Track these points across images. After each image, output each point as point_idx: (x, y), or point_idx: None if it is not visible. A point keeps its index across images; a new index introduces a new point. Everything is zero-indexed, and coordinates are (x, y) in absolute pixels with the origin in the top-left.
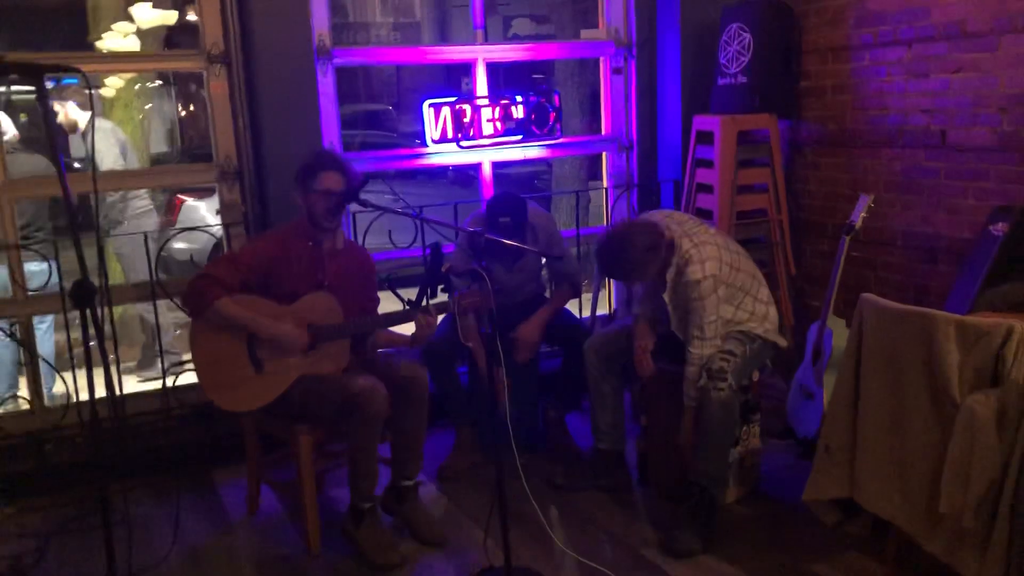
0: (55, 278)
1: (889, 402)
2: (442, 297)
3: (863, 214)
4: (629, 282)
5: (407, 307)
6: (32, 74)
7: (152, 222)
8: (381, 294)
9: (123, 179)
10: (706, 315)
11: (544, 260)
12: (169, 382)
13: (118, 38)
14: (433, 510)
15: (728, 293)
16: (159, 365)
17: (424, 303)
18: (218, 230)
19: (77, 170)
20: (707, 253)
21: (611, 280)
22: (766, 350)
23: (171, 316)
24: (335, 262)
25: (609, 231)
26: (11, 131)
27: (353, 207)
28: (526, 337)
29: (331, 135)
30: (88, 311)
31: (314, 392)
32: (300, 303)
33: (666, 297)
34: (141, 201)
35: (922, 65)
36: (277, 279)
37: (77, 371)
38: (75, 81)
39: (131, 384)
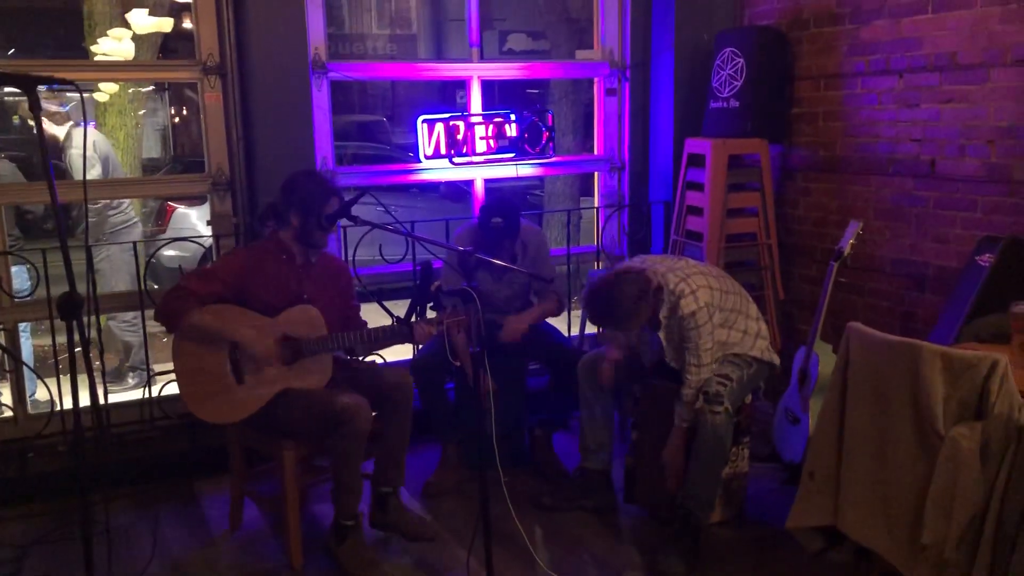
0: (37, 285)
1: (874, 431)
2: (431, 314)
3: (852, 240)
4: (623, 331)
5: (395, 322)
6: (25, 85)
7: (136, 235)
8: (371, 307)
9: (113, 188)
10: (702, 343)
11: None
12: (153, 392)
13: (114, 43)
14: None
15: (722, 317)
16: (129, 380)
17: (414, 318)
18: (208, 240)
19: (59, 173)
20: (696, 283)
21: None
22: (761, 372)
23: (142, 333)
24: (311, 274)
25: (595, 285)
26: None
27: (343, 221)
28: (513, 324)
29: (324, 149)
30: (75, 323)
31: (298, 407)
32: (283, 315)
33: (662, 336)
34: (119, 216)
35: (913, 95)
36: (253, 293)
37: (61, 379)
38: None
39: (116, 393)
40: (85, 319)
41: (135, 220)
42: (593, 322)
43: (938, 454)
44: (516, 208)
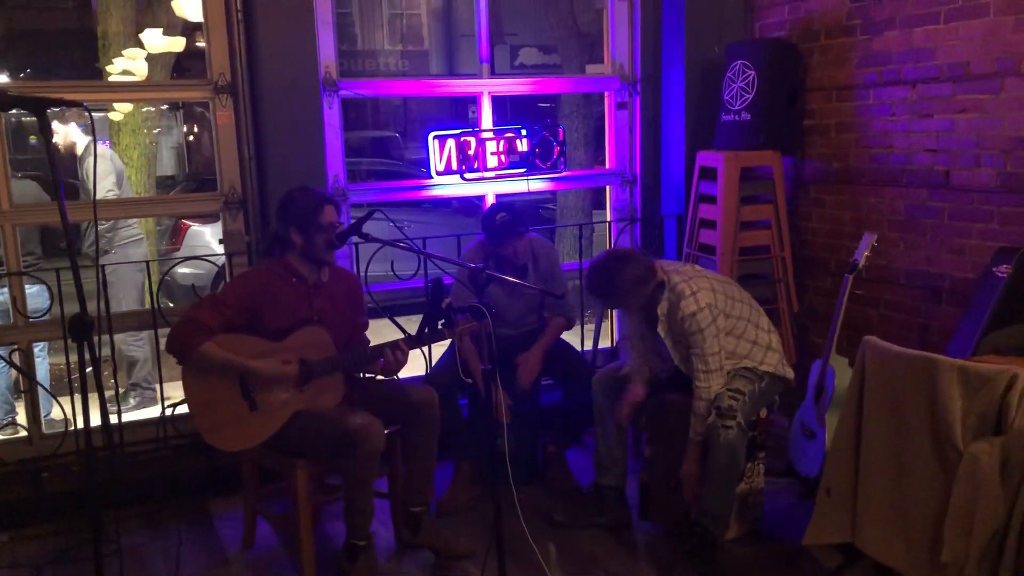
0: (52, 304)
1: (891, 447)
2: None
3: (867, 253)
4: (610, 306)
5: (406, 339)
6: (35, 108)
7: (141, 252)
8: (381, 323)
9: (126, 208)
10: (707, 347)
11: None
12: (166, 411)
13: (128, 63)
14: None
15: (729, 324)
16: (131, 400)
17: (426, 332)
18: (221, 258)
19: (73, 191)
20: (698, 285)
21: (614, 312)
22: (775, 387)
23: (148, 349)
24: (322, 295)
25: (601, 258)
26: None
27: (355, 238)
28: (529, 363)
29: (336, 166)
30: (86, 344)
31: (311, 429)
32: (291, 339)
33: (661, 331)
34: (130, 230)
35: (926, 105)
36: (263, 318)
37: (76, 398)
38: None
39: (129, 412)
40: (98, 338)
41: (142, 235)
42: (589, 290)
43: (957, 470)
44: (516, 207)
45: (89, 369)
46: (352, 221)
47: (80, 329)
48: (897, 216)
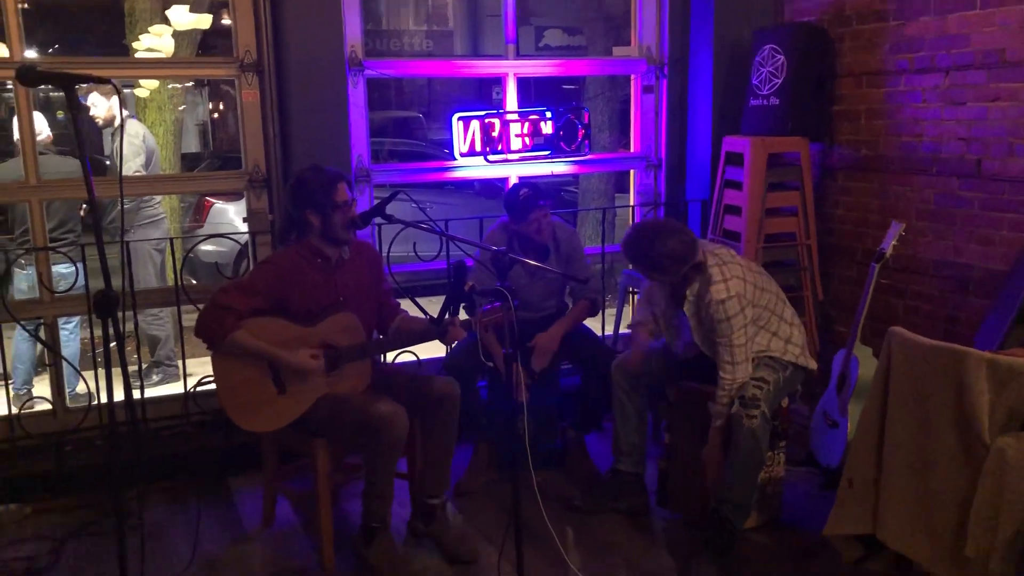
0: (81, 280)
1: (916, 439)
2: (463, 315)
3: (894, 242)
4: (646, 277)
5: (429, 322)
6: (63, 83)
7: (161, 231)
8: (404, 303)
9: (152, 184)
10: (734, 337)
11: (566, 268)
12: (190, 389)
13: (154, 39)
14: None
15: (755, 314)
16: (154, 377)
17: (447, 317)
18: (244, 236)
19: (107, 169)
20: (731, 272)
21: (634, 295)
22: (797, 376)
23: (170, 327)
24: (346, 273)
25: (646, 225)
26: (45, 132)
27: (378, 220)
28: (544, 344)
29: (360, 146)
30: (111, 321)
31: (336, 413)
32: (321, 325)
33: (687, 310)
34: (152, 209)
35: (959, 93)
36: (291, 301)
37: (100, 373)
38: None
39: (152, 388)
40: (123, 314)
41: (163, 215)
42: (625, 253)
43: (983, 464)
44: (540, 184)
45: (113, 344)
46: (376, 203)
47: (105, 305)
48: (926, 205)
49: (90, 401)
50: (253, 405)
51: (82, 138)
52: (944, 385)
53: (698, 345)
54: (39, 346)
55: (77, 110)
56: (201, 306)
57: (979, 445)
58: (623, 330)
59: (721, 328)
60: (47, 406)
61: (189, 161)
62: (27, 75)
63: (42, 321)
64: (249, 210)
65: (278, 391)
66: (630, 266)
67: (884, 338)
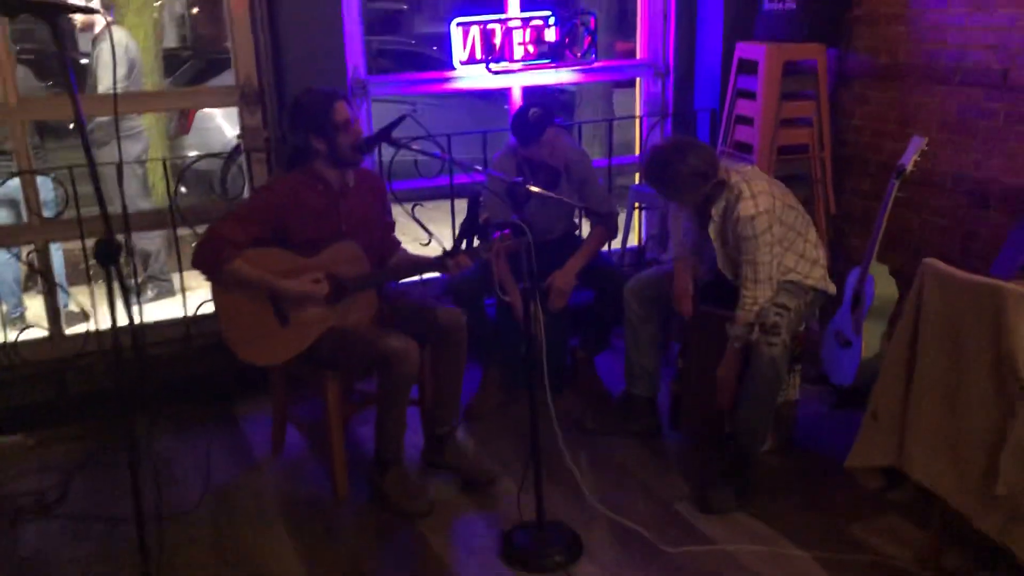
0: (67, 202)
1: (947, 375)
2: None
3: (915, 157)
4: (664, 197)
5: (444, 255)
6: (46, 13)
7: (142, 144)
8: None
9: (140, 101)
10: (760, 255)
11: (579, 194)
12: (189, 311)
13: None
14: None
15: (781, 233)
16: (149, 292)
17: (463, 247)
18: (230, 141)
19: (87, 75)
20: (758, 188)
21: (642, 211)
22: (817, 301)
23: (160, 240)
24: (349, 202)
25: (661, 146)
26: None
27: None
28: (560, 286)
29: (355, 57)
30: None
31: (345, 347)
32: (322, 255)
33: (712, 232)
34: (130, 122)
35: None
36: (292, 230)
37: (97, 302)
38: None
39: (151, 312)
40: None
41: (141, 128)
42: (644, 177)
43: (1018, 403)
44: (547, 100)
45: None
46: (380, 128)
47: (107, 253)
48: (948, 116)
49: (87, 328)
50: (256, 338)
51: (67, 61)
52: (980, 322)
53: (720, 269)
54: (22, 266)
55: (63, 43)
56: (196, 228)
57: (1015, 383)
58: (630, 244)
59: (748, 246)
60: (43, 333)
61: (170, 62)
62: (6, 4)
63: (33, 247)
64: (243, 126)
65: (281, 323)
66: (637, 180)
67: (918, 270)
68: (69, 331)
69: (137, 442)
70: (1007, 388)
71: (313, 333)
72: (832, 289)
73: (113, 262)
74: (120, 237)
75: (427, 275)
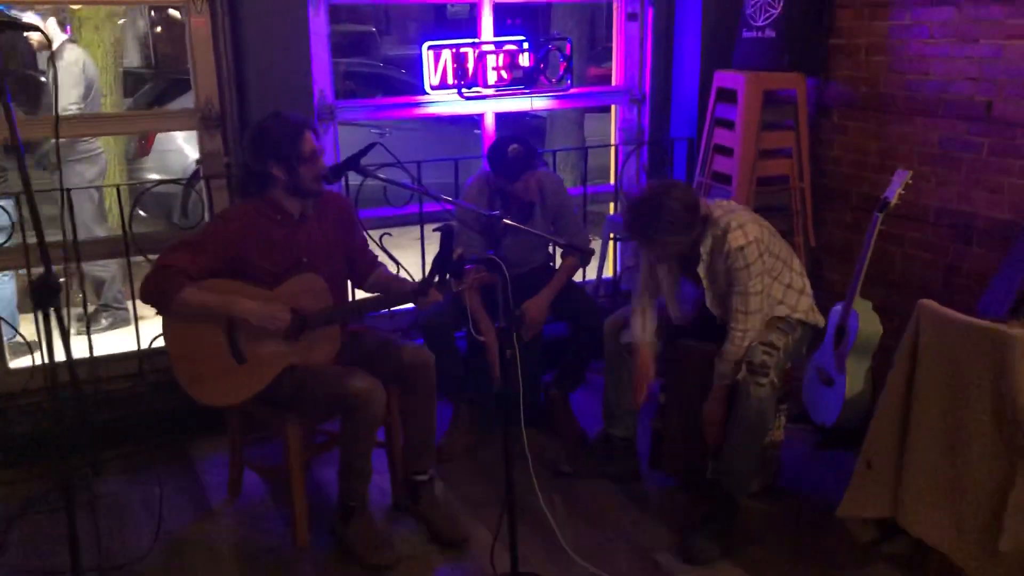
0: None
1: (945, 422)
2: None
3: (900, 191)
4: (656, 247)
5: (416, 288)
6: None
7: (99, 167)
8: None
9: (97, 124)
10: (751, 285)
11: (554, 224)
12: (144, 345)
13: None
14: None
15: (771, 263)
16: (103, 321)
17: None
18: (192, 165)
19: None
20: (745, 218)
21: (617, 242)
22: (806, 336)
23: (115, 267)
24: (308, 230)
25: (643, 192)
26: None
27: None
28: (533, 315)
29: (322, 81)
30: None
31: (307, 387)
32: (283, 287)
33: (701, 271)
34: (87, 144)
35: (971, 29)
36: (248, 261)
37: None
38: None
39: (103, 345)
40: (64, 266)
41: (100, 150)
42: (629, 231)
43: (1022, 453)
44: (526, 139)
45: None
46: (349, 156)
47: (46, 295)
48: (930, 149)
49: (33, 361)
50: (210, 376)
51: (4, 83)
52: (981, 367)
53: (708, 308)
54: None
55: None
56: (150, 256)
57: (1018, 432)
58: (605, 274)
59: (740, 276)
60: None
61: (131, 82)
62: None
63: None
64: (203, 151)
65: (237, 360)
66: (612, 209)
67: (914, 311)
68: (14, 364)
69: (72, 486)
70: (1011, 437)
71: (272, 371)
72: (821, 322)
73: (51, 304)
74: (63, 268)
75: (394, 308)
